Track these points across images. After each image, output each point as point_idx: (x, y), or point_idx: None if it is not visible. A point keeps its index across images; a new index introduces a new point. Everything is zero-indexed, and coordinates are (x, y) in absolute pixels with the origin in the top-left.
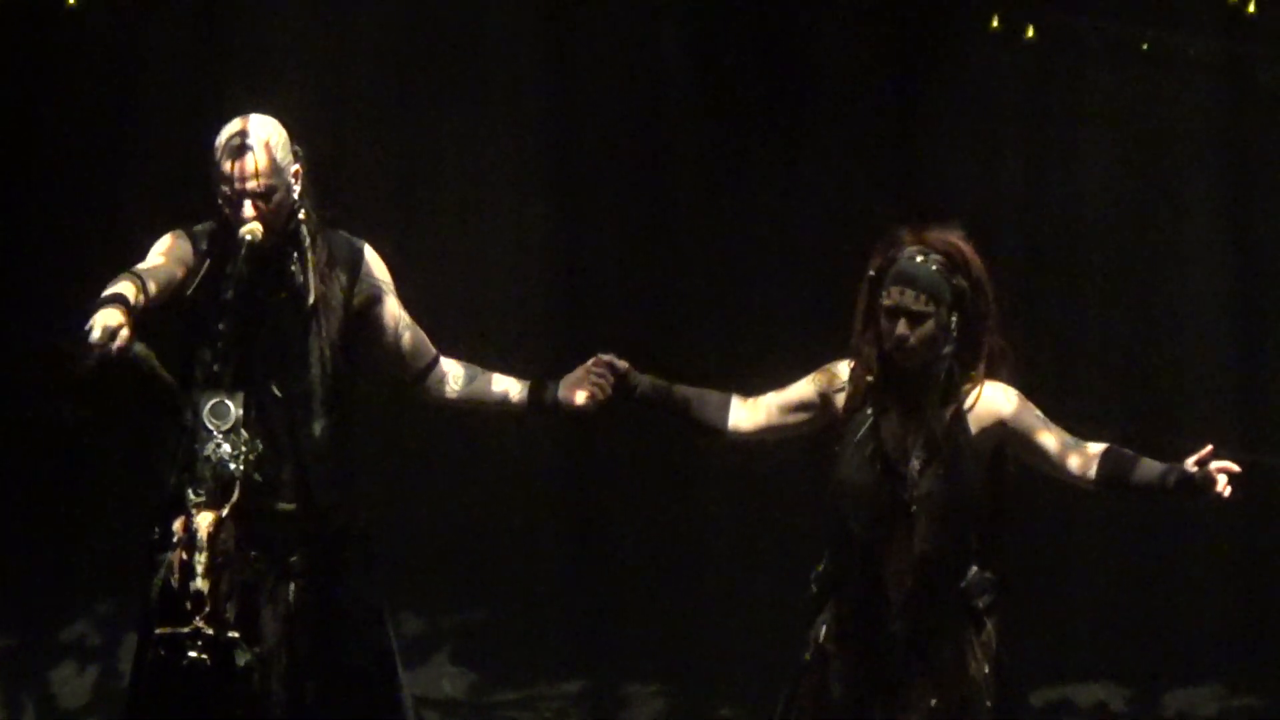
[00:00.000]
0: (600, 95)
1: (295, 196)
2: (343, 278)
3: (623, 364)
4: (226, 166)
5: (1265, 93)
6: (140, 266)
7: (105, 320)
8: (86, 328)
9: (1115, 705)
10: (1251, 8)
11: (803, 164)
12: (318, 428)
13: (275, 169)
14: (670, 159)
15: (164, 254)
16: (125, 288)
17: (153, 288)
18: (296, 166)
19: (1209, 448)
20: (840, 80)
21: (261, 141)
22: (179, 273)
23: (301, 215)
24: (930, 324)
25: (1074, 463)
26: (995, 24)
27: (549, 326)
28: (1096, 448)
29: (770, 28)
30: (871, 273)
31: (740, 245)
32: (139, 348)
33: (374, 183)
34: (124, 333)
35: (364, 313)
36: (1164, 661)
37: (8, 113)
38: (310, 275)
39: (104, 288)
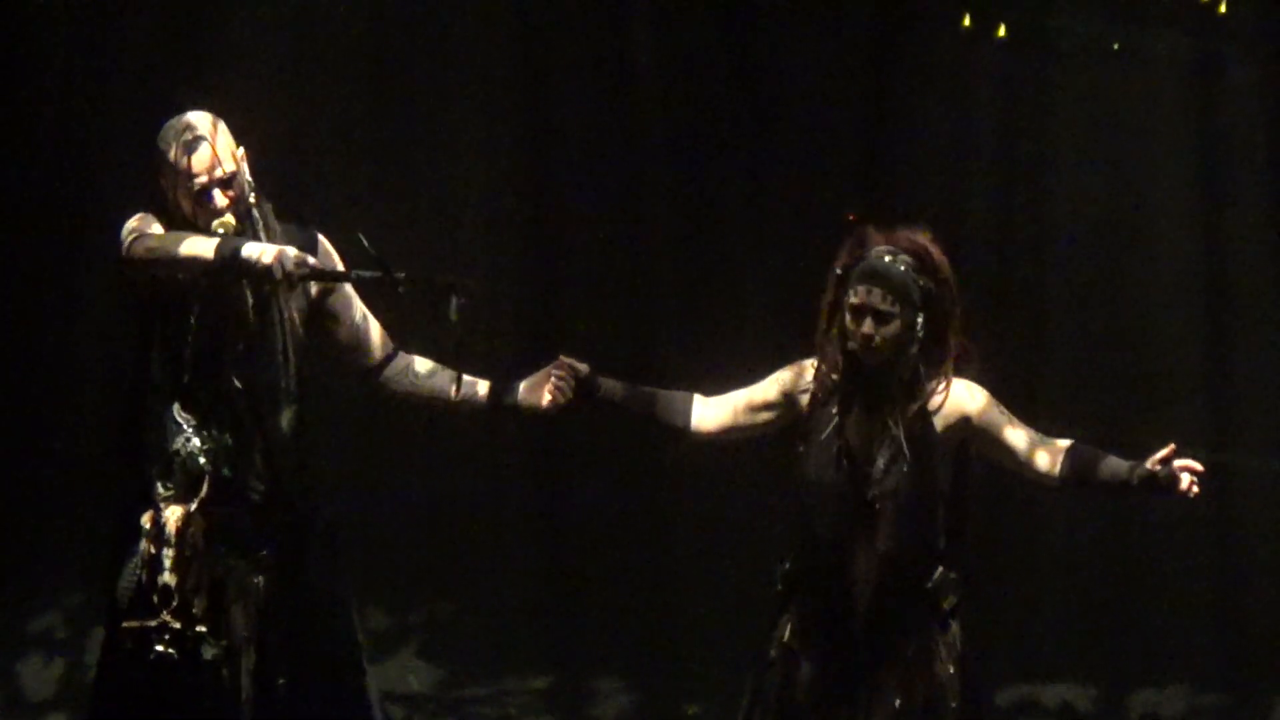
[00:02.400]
0: (569, 93)
1: (249, 181)
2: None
3: (584, 367)
4: (184, 162)
5: (1236, 92)
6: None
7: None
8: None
9: (1081, 705)
10: (1223, 7)
11: (771, 161)
12: (284, 419)
13: (231, 156)
14: (637, 157)
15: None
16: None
17: None
18: (243, 150)
19: (1171, 446)
20: (810, 77)
21: (212, 132)
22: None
23: (253, 199)
24: (897, 323)
25: (1040, 460)
26: (966, 22)
27: (513, 326)
28: (1062, 444)
29: (739, 27)
30: (838, 270)
31: (706, 242)
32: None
33: (343, 184)
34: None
35: (322, 303)
36: (1130, 661)
37: None
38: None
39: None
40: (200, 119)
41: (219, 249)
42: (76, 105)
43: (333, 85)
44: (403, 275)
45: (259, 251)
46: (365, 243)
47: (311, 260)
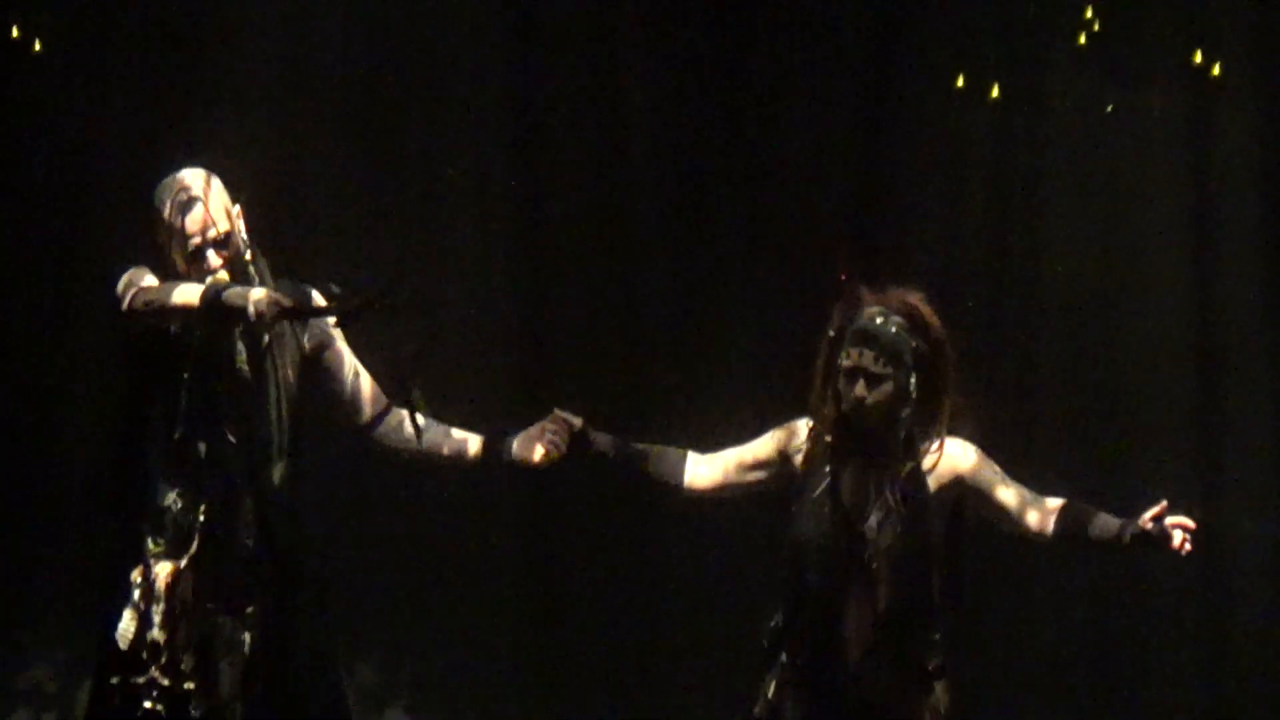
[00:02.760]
0: (563, 148)
1: (244, 237)
2: (293, 323)
3: (578, 420)
4: (179, 222)
5: (1229, 154)
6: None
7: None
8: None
9: None
10: (1216, 70)
11: (766, 219)
12: (276, 474)
13: (226, 215)
14: (633, 216)
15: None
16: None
17: None
18: (238, 208)
19: (1163, 504)
20: (805, 135)
21: (206, 191)
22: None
23: (248, 256)
24: (889, 385)
25: (1032, 518)
26: (960, 82)
27: (507, 380)
28: (1054, 502)
29: (735, 86)
30: (831, 333)
31: (702, 301)
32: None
33: (333, 226)
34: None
35: (315, 356)
36: (1118, 716)
37: None
38: None
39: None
40: (195, 177)
41: (203, 294)
42: (69, 151)
43: (323, 127)
44: (355, 301)
45: (237, 294)
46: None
47: (285, 301)
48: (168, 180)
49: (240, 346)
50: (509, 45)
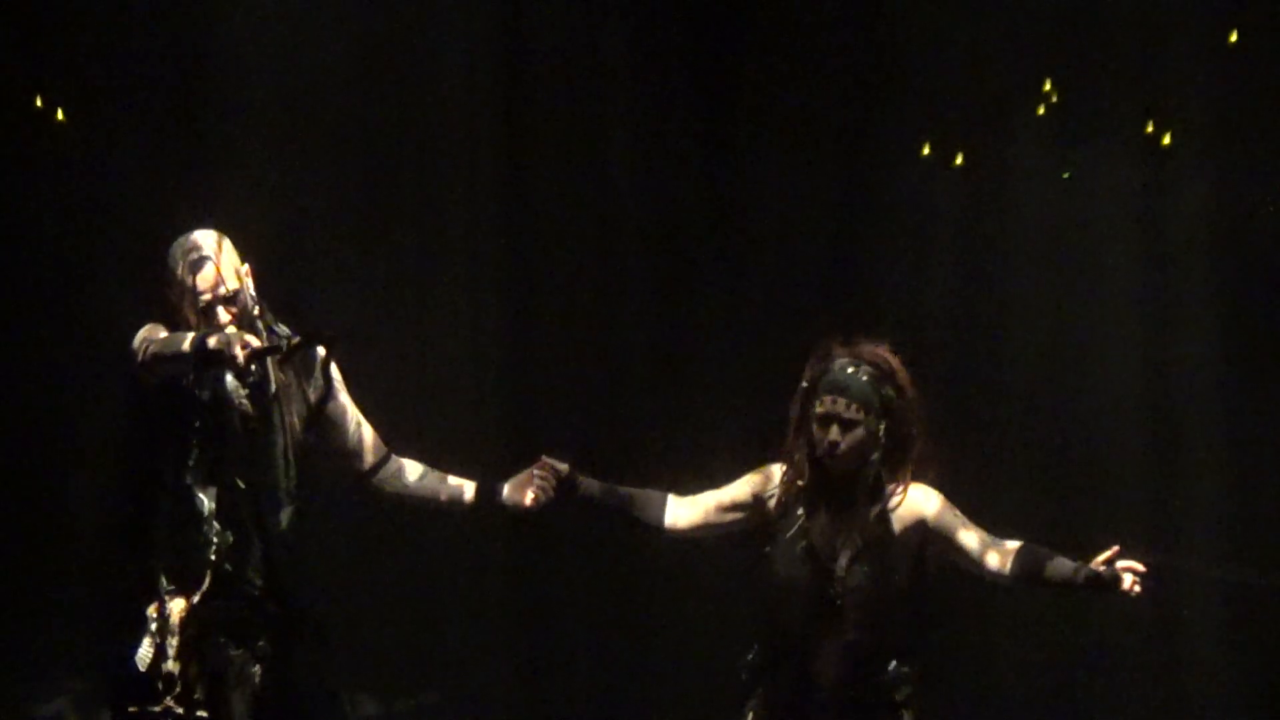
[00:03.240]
0: (554, 209)
1: (252, 296)
2: (299, 375)
3: (564, 466)
4: (190, 280)
5: (1179, 217)
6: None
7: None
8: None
9: None
10: (1166, 139)
11: (746, 279)
12: (283, 518)
13: (235, 273)
14: (619, 274)
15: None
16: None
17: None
18: (246, 267)
19: (1115, 548)
20: (782, 201)
21: (217, 251)
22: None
23: (256, 311)
24: (860, 430)
25: (992, 560)
26: (926, 151)
27: (497, 428)
28: (1013, 545)
29: (720, 154)
30: (805, 383)
31: (683, 354)
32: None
33: (333, 289)
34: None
35: (320, 407)
36: None
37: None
38: (270, 369)
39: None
40: (207, 238)
41: (192, 341)
42: (86, 212)
43: (320, 187)
44: (301, 340)
45: (216, 339)
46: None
47: (256, 343)
48: (181, 240)
49: (247, 399)
50: (500, 102)
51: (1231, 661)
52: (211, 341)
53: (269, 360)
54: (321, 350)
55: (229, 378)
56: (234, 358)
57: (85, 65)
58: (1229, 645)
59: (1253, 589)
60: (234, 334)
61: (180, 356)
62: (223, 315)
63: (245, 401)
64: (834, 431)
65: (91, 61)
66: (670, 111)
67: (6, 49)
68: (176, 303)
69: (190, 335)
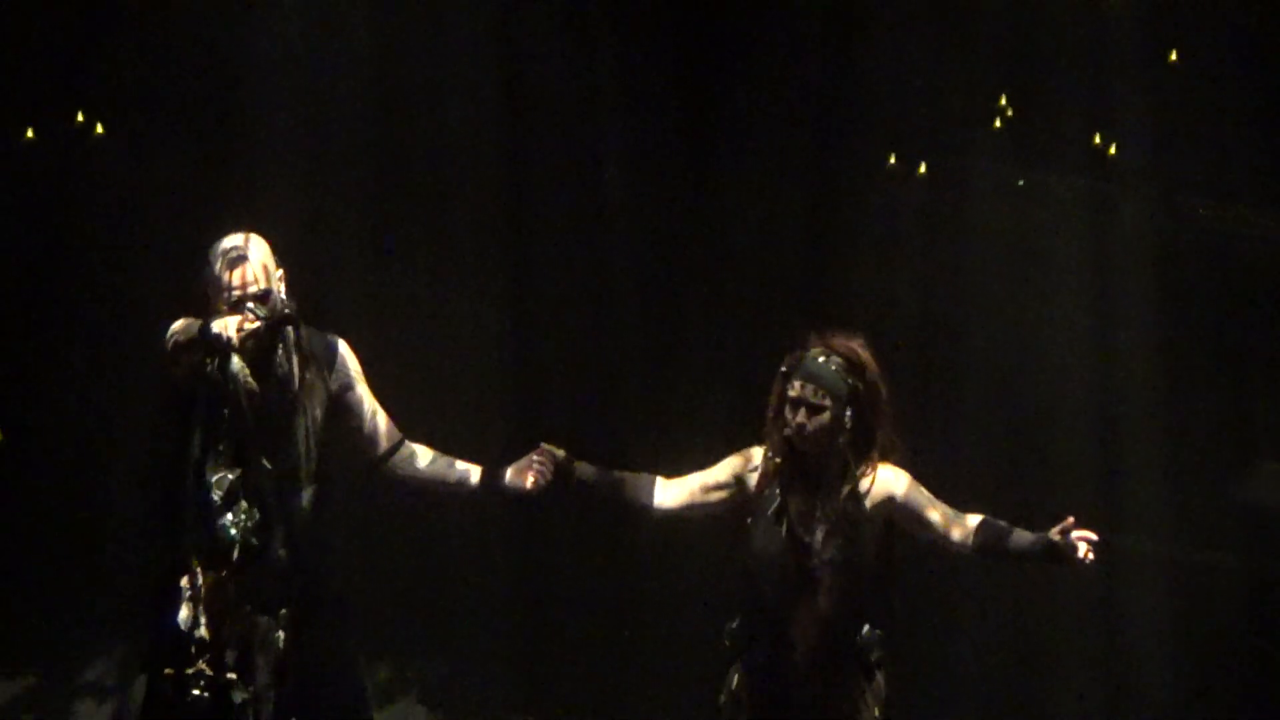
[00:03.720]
0: (552, 219)
1: (283, 297)
2: (321, 367)
3: (561, 452)
4: (225, 277)
5: (1124, 221)
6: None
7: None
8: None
9: None
10: (1113, 150)
11: (727, 278)
12: (304, 498)
13: (267, 275)
14: (612, 277)
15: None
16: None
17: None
18: (281, 271)
19: (1070, 519)
20: (761, 207)
21: (254, 253)
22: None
23: (287, 312)
24: (826, 415)
25: (955, 534)
26: (892, 161)
27: (500, 418)
28: (974, 520)
29: (702, 166)
30: (783, 369)
31: (670, 347)
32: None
33: (350, 289)
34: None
35: (340, 398)
36: (1029, 707)
37: (45, 227)
38: (295, 364)
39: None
40: (245, 240)
41: (199, 328)
42: (124, 218)
43: (342, 209)
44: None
45: (217, 323)
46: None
47: (247, 324)
48: (222, 240)
49: (273, 390)
50: (503, 118)
51: (1170, 630)
52: (214, 326)
53: (295, 357)
54: (291, 330)
55: (235, 360)
56: (229, 339)
57: (122, 82)
58: (1168, 616)
59: (1189, 564)
60: (231, 319)
61: (192, 342)
62: (252, 312)
63: (250, 381)
64: (801, 414)
65: (127, 79)
66: (659, 127)
67: (51, 68)
68: (213, 299)
69: (199, 322)
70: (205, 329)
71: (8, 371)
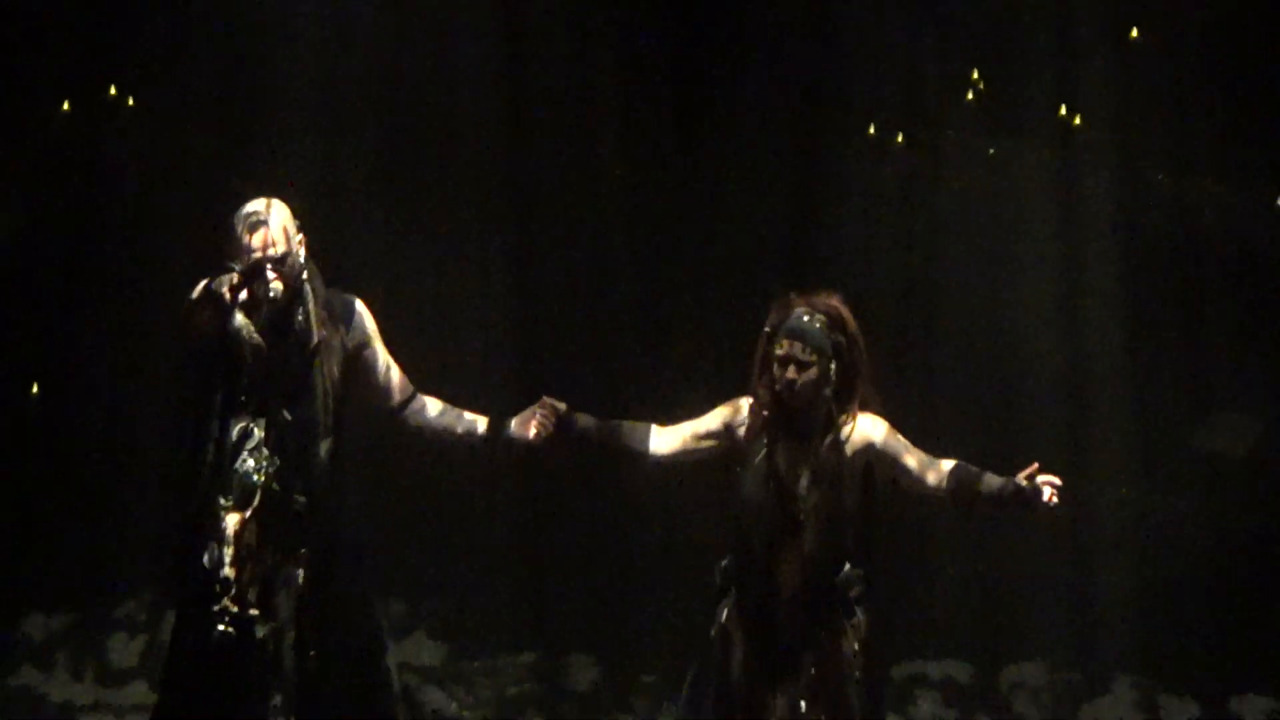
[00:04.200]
0: (551, 184)
1: (302, 260)
2: (339, 326)
3: (562, 405)
4: (246, 239)
5: (1088, 187)
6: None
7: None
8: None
9: (961, 679)
10: (1077, 120)
11: (717, 241)
12: (322, 448)
13: (287, 239)
14: (610, 242)
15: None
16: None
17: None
18: (301, 236)
19: (1035, 465)
20: (748, 177)
21: (275, 217)
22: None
23: (305, 275)
24: (814, 370)
25: (930, 478)
26: (872, 130)
27: (505, 371)
28: (948, 465)
29: (695, 137)
30: (767, 329)
31: (663, 306)
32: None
33: (365, 253)
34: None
35: (356, 354)
36: (1001, 645)
37: (79, 193)
38: (313, 323)
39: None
40: (267, 205)
41: (201, 288)
42: (153, 186)
43: (357, 160)
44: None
45: (218, 281)
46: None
47: (235, 279)
48: (246, 205)
49: (293, 346)
50: (507, 95)
51: (1132, 569)
52: (215, 284)
53: (313, 316)
54: (275, 282)
55: (237, 316)
56: (222, 294)
57: (151, 58)
58: (1129, 556)
59: (1149, 507)
60: (227, 276)
61: (200, 302)
62: (269, 273)
63: (254, 336)
64: (791, 370)
65: (157, 55)
66: (654, 105)
67: (85, 45)
68: (232, 259)
69: (204, 281)
70: (207, 287)
71: (43, 328)
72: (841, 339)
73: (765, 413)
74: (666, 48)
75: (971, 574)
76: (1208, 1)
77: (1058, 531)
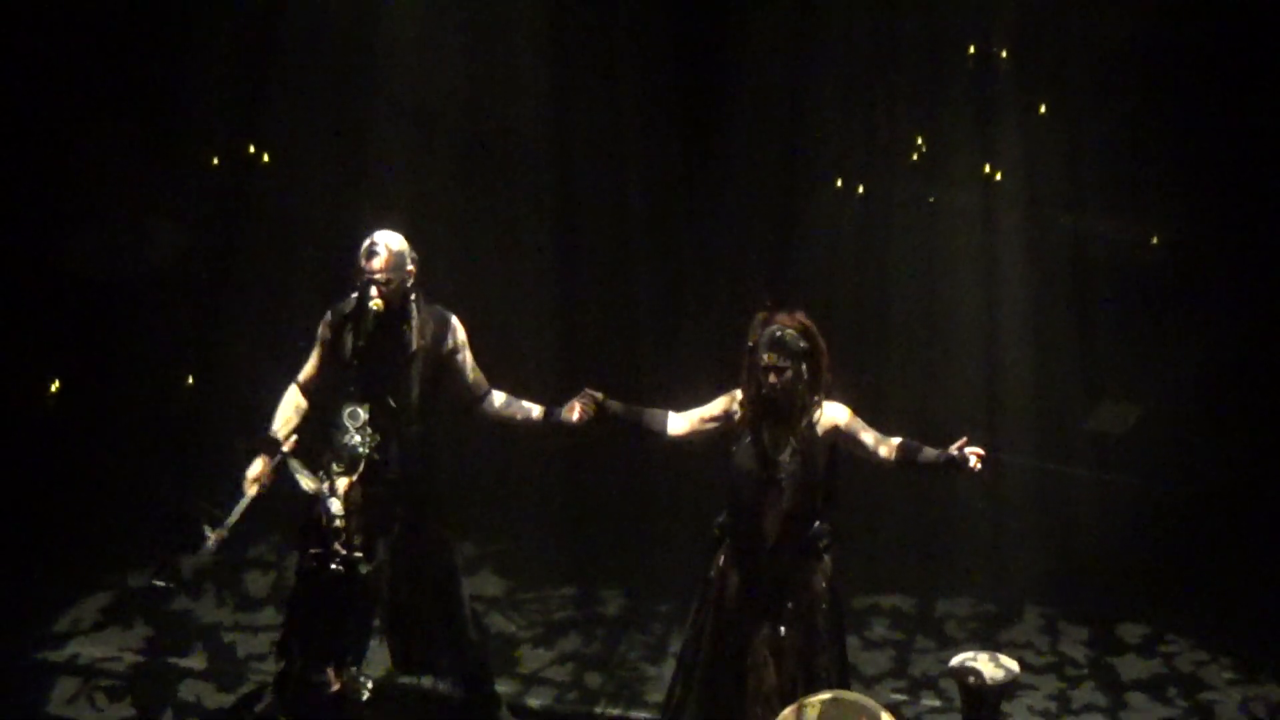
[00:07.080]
0: (593, 225)
1: (410, 284)
2: (436, 336)
3: (599, 394)
4: (363, 262)
5: (1006, 229)
6: (301, 375)
7: (251, 472)
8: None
9: (906, 608)
10: (998, 176)
11: (718, 265)
12: (414, 428)
13: (394, 266)
14: (635, 267)
15: (316, 347)
16: (280, 420)
17: (308, 388)
18: (412, 265)
19: (964, 439)
20: (742, 216)
21: (386, 247)
22: (326, 353)
23: (412, 296)
24: (789, 373)
25: (882, 451)
26: (838, 183)
27: (552, 369)
28: (896, 440)
29: (699, 188)
30: (751, 342)
31: (677, 315)
32: (292, 462)
33: (438, 268)
34: (263, 479)
35: (449, 359)
36: (936, 583)
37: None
38: (413, 334)
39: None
40: (384, 235)
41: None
42: (290, 228)
43: (445, 190)
44: None
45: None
46: None
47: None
48: (372, 234)
49: (397, 351)
50: (552, 140)
51: (1036, 521)
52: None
53: (414, 328)
54: (375, 300)
55: (371, 308)
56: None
57: (282, 121)
58: (1035, 511)
59: (1051, 473)
60: (348, 299)
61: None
62: (373, 291)
63: (394, 353)
64: (772, 376)
65: (286, 119)
66: (670, 159)
67: (230, 112)
68: (355, 275)
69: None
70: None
71: (198, 337)
72: (809, 345)
73: (752, 404)
74: (680, 109)
75: (914, 525)
76: (1098, 83)
77: (980, 491)
